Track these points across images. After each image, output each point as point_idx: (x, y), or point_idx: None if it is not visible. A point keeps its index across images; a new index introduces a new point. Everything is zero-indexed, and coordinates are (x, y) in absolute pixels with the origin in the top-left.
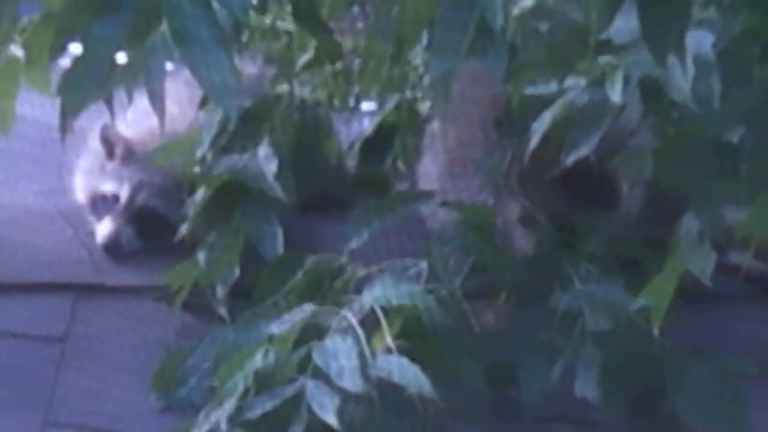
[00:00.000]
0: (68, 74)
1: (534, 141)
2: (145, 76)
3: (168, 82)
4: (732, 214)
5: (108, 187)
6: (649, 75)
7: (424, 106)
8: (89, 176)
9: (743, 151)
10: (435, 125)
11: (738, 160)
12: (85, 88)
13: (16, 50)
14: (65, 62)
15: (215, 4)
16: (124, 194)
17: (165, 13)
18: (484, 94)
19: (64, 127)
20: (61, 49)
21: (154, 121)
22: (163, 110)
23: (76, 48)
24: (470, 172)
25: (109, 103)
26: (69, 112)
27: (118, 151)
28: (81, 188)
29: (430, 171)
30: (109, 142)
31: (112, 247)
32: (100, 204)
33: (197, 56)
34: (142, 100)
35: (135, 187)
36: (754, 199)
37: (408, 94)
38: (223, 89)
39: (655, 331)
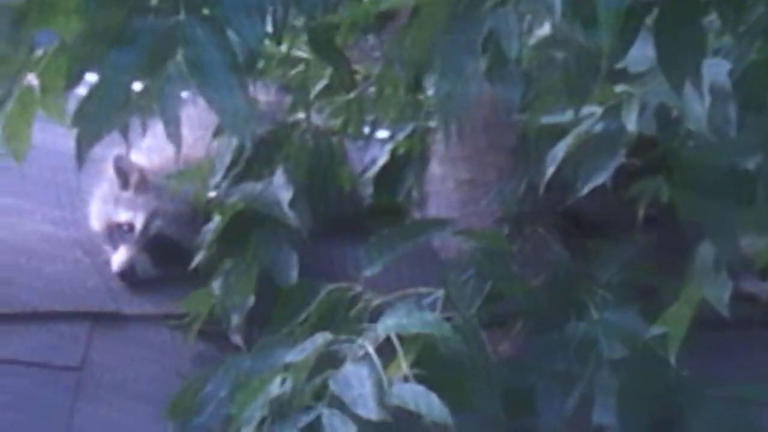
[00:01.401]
0: (84, 104)
1: (550, 170)
2: (161, 106)
3: (183, 110)
4: (747, 241)
5: (123, 216)
6: (665, 103)
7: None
8: (104, 206)
9: (760, 179)
10: (444, 153)
11: (754, 188)
12: (100, 117)
13: (33, 80)
14: (82, 91)
15: (230, 34)
16: (138, 223)
17: (180, 42)
18: (495, 121)
19: (81, 157)
20: (77, 80)
21: (168, 149)
22: (179, 140)
23: (92, 77)
24: (481, 200)
25: (124, 132)
26: (85, 142)
27: (133, 180)
28: (96, 218)
29: (440, 199)
30: (122, 172)
31: (128, 275)
32: (116, 233)
33: (212, 86)
34: (156, 129)
35: (149, 215)
36: None
37: (422, 122)
38: (237, 118)
39: (672, 359)
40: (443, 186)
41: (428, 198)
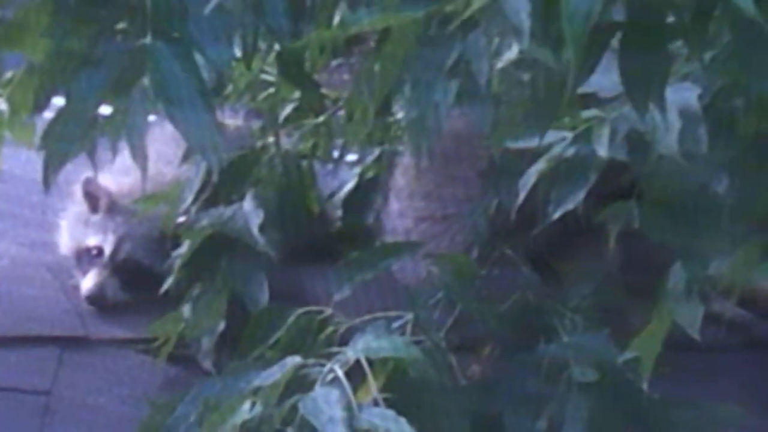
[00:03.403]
0: (51, 127)
1: (522, 195)
2: (127, 129)
3: (152, 138)
4: (714, 263)
5: (92, 240)
6: (635, 128)
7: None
8: (74, 230)
9: (725, 202)
10: (402, 180)
11: (721, 211)
12: (68, 139)
13: (1, 103)
14: (49, 115)
15: (198, 57)
16: (108, 247)
17: (147, 67)
18: (455, 153)
19: (48, 179)
20: (45, 102)
21: (137, 173)
22: (145, 164)
23: (59, 101)
24: (442, 235)
25: (91, 155)
26: (52, 164)
27: (102, 204)
28: (66, 242)
29: (397, 235)
30: (92, 196)
31: (97, 299)
32: (85, 257)
33: (179, 109)
34: (126, 153)
35: (119, 239)
36: (735, 250)
37: (389, 147)
38: (205, 142)
39: (644, 383)
40: (401, 222)
41: (385, 233)
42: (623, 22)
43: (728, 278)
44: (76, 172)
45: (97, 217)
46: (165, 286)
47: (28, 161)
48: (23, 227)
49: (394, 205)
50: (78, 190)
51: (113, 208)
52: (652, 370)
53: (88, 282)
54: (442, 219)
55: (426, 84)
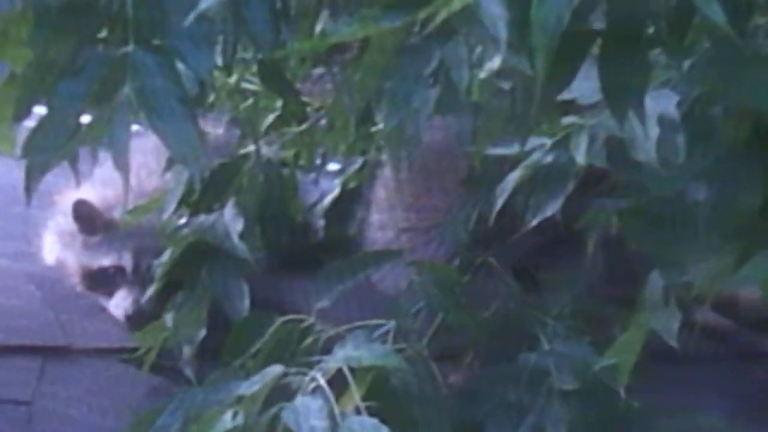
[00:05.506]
0: (33, 135)
1: (499, 202)
2: (110, 140)
3: (134, 148)
4: (690, 271)
5: (105, 260)
6: (614, 135)
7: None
8: (69, 253)
9: (701, 209)
10: (383, 191)
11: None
12: (50, 148)
13: None
14: (30, 124)
15: (180, 66)
16: (127, 263)
17: (129, 74)
18: (435, 164)
19: (30, 188)
20: (27, 110)
21: (120, 183)
22: (128, 174)
23: (40, 110)
24: (423, 246)
25: (73, 165)
26: (34, 173)
27: (99, 224)
28: (53, 257)
29: (379, 237)
30: (86, 218)
31: (137, 317)
32: (100, 279)
33: (161, 117)
34: (107, 164)
35: (135, 252)
36: (710, 257)
37: (372, 155)
38: (188, 153)
39: (621, 390)
40: (383, 234)
41: (367, 245)
42: (602, 30)
43: (702, 286)
44: (58, 183)
45: (95, 239)
46: (147, 295)
47: (9, 171)
48: (5, 238)
49: (375, 217)
50: (61, 200)
51: (111, 225)
52: (633, 380)
53: (122, 302)
54: (424, 230)
55: (404, 93)
